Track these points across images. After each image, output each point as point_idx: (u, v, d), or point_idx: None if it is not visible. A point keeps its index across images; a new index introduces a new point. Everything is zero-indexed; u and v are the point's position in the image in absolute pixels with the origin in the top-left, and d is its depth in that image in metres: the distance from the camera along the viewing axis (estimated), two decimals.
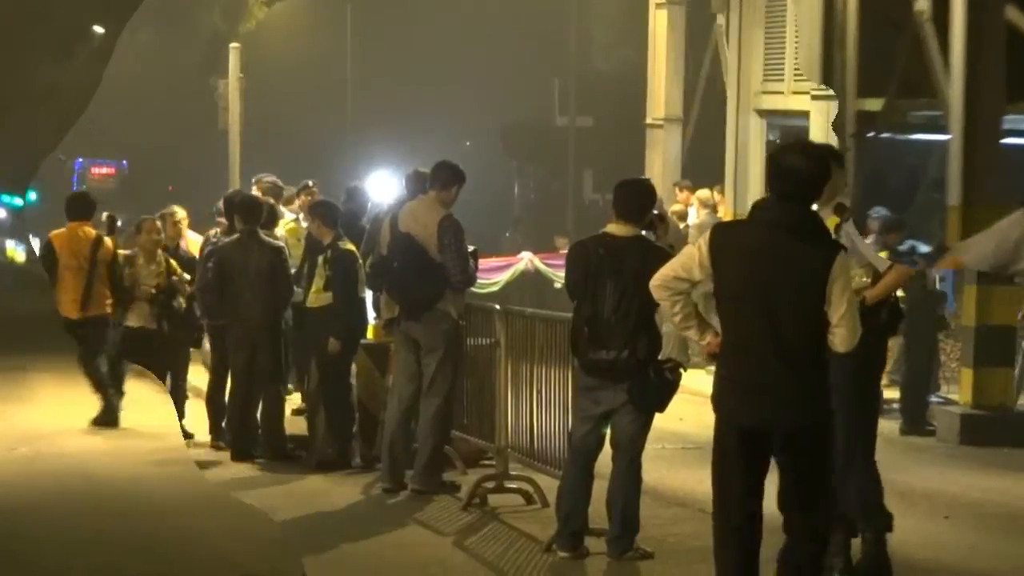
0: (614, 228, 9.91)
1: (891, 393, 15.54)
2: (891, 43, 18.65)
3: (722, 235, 7.66)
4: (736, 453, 7.51)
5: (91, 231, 14.60)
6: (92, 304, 14.40)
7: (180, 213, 15.47)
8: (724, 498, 7.60)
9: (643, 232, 9.94)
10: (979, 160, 16.08)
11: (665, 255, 10.01)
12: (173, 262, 14.43)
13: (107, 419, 14.45)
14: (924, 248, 17.30)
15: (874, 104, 18.84)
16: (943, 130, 17.07)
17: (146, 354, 14.64)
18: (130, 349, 14.54)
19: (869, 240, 13.65)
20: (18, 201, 51.79)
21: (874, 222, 16.35)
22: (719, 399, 7.60)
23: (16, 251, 57.31)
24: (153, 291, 14.25)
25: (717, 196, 20.84)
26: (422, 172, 13.17)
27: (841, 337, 7.48)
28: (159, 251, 14.45)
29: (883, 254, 11.72)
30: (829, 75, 18.61)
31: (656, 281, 7.87)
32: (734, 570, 7.58)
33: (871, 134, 18.96)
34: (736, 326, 7.49)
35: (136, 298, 14.25)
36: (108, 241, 14.60)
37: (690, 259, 7.70)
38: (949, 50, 16.42)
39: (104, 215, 16.55)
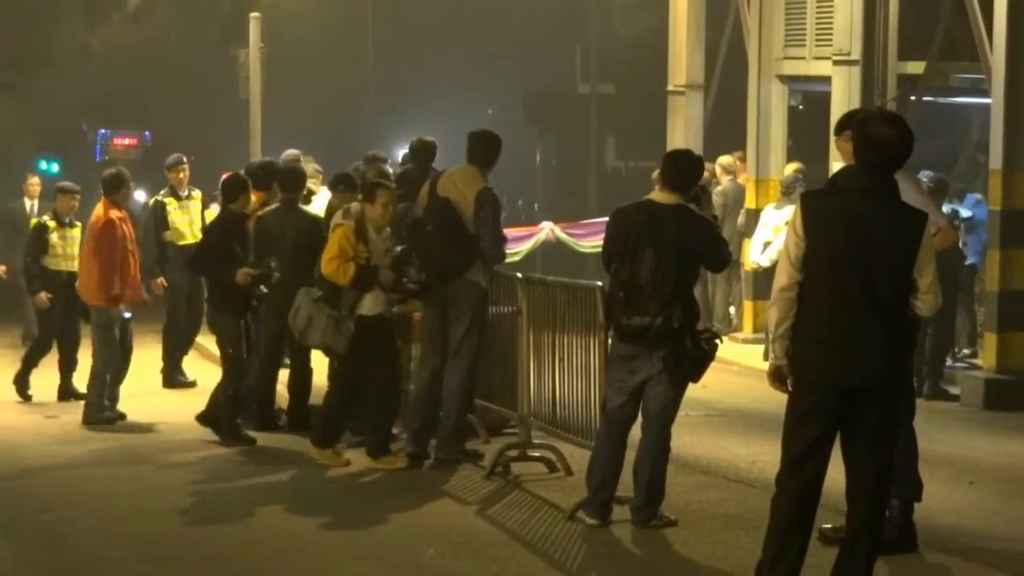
0: (658, 196, 9.91)
1: None
2: (933, 5, 18.56)
3: (816, 203, 7.84)
4: (823, 414, 7.67)
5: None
6: None
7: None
8: (794, 457, 7.73)
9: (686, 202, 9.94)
10: (1022, 124, 15.98)
11: (707, 224, 10.01)
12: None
13: None
14: (965, 212, 17.23)
15: (916, 67, 18.78)
16: (985, 93, 16.99)
17: (376, 347, 12.11)
18: (361, 343, 12.06)
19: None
20: (55, 168, 51.78)
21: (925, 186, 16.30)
22: (807, 361, 7.71)
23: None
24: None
25: (738, 163, 20.75)
26: (427, 141, 13.18)
27: (928, 303, 7.82)
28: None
29: None
30: (869, 37, 18.53)
31: (779, 295, 7.77)
32: (798, 523, 7.72)
33: (912, 97, 18.89)
34: (833, 290, 7.64)
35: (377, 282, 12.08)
36: None
37: (795, 248, 7.72)
38: (992, 12, 16.29)
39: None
